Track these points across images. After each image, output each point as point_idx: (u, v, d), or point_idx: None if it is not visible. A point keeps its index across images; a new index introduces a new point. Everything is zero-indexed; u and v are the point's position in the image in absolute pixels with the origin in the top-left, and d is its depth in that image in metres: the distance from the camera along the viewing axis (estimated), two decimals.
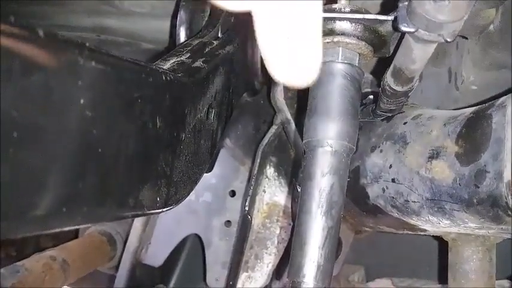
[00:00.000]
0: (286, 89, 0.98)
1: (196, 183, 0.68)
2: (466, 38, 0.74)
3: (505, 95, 0.59)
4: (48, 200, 0.34)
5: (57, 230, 0.37)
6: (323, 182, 0.57)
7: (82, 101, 0.36)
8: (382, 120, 0.78)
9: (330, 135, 0.58)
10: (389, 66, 0.62)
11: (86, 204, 0.39)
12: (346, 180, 0.59)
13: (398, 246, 1.35)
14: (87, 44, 0.38)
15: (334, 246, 0.57)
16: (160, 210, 0.58)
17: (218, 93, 0.74)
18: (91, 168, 0.39)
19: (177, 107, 0.57)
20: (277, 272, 1.00)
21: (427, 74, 0.93)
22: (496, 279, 0.79)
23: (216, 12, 0.89)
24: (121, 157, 0.44)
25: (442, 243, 0.84)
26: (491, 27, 0.66)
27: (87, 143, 0.38)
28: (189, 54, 0.69)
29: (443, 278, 1.14)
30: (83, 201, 0.39)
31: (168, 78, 0.53)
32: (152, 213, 0.55)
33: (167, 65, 0.64)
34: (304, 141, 0.61)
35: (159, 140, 0.52)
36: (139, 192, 0.49)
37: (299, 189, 0.62)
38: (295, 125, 0.97)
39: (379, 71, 0.94)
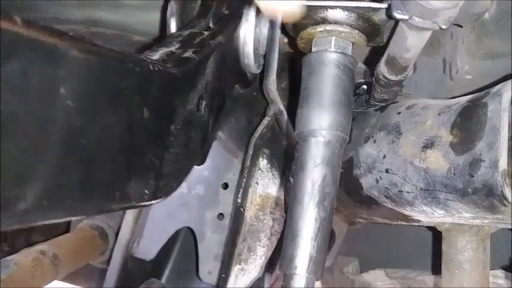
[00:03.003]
0: (279, 79, 0.96)
1: (186, 176, 0.67)
2: (461, 26, 0.73)
3: (500, 83, 0.58)
4: (29, 194, 0.33)
5: (39, 223, 0.36)
6: (315, 172, 0.56)
7: (62, 91, 0.35)
8: (376, 110, 0.77)
9: (322, 125, 0.57)
10: (383, 55, 0.61)
11: (69, 198, 0.38)
12: (339, 171, 0.58)
13: (392, 237, 1.36)
14: (70, 33, 0.37)
15: (326, 237, 0.56)
16: (149, 203, 0.56)
17: (209, 84, 0.72)
18: (74, 161, 0.38)
19: (165, 98, 0.56)
20: (270, 265, 0.99)
21: (421, 65, 0.92)
22: (490, 269, 0.79)
23: (207, 2, 0.87)
24: (106, 149, 0.43)
25: (436, 234, 0.83)
26: (486, 15, 0.65)
27: (69, 135, 0.37)
28: (179, 45, 0.68)
29: (437, 268, 1.14)
30: (65, 195, 0.37)
31: (156, 68, 0.52)
32: (140, 206, 0.54)
33: (156, 56, 0.62)
34: (296, 132, 0.60)
35: (146, 132, 0.51)
36: (126, 185, 0.48)
37: (292, 181, 0.61)
38: (288, 116, 0.96)
39: (372, 60, 0.92)
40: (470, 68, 0.78)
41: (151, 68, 0.51)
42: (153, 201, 0.57)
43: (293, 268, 0.53)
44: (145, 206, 0.55)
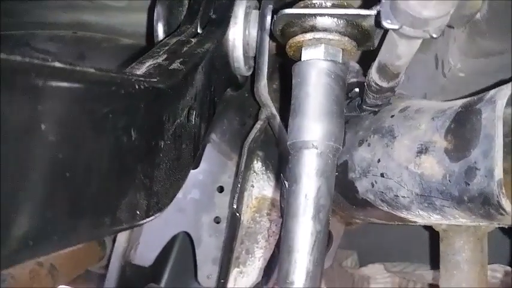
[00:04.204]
0: (270, 81, 0.95)
1: (179, 189, 0.66)
2: (453, 27, 0.72)
3: (493, 86, 0.57)
4: (17, 235, 0.32)
5: (25, 262, 0.35)
6: (309, 185, 0.56)
7: (43, 127, 0.34)
8: (369, 113, 0.76)
9: (315, 136, 0.56)
10: (374, 61, 0.60)
11: (56, 233, 0.37)
12: (333, 182, 0.57)
13: (391, 232, 1.36)
14: (47, 62, 0.35)
15: (322, 250, 0.56)
16: (142, 222, 0.56)
17: (198, 93, 0.71)
18: (59, 195, 0.37)
19: (153, 115, 0.54)
20: (268, 268, 0.98)
21: (413, 60, 0.90)
22: (489, 264, 0.79)
23: (194, 6, 0.85)
24: (93, 177, 0.42)
25: (434, 230, 0.83)
26: (478, 15, 0.64)
27: (53, 170, 0.36)
28: (165, 56, 0.66)
29: (435, 262, 1.14)
30: (51, 231, 0.36)
31: (142, 86, 0.51)
32: (133, 227, 0.53)
33: (142, 69, 0.61)
34: (288, 143, 0.59)
35: (135, 153, 0.50)
36: (117, 209, 0.47)
37: (287, 185, 0.60)
38: (280, 117, 0.95)
39: (365, 57, 0.91)
40: (463, 66, 0.77)
41: (137, 87, 0.50)
42: (147, 220, 0.57)
43: (290, 283, 0.53)
44: (139, 225, 0.54)
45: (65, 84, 0.37)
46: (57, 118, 0.36)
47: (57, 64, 0.36)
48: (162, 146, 0.57)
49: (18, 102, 0.31)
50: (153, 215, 0.58)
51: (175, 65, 0.64)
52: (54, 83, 0.36)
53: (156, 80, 0.57)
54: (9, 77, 0.30)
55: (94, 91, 0.41)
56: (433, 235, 1.14)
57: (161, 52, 0.68)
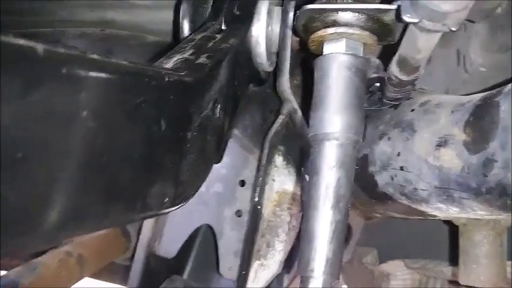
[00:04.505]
0: (292, 76, 0.97)
1: (204, 180, 0.69)
2: (473, 22, 0.73)
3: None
4: (55, 216, 0.35)
5: (66, 240, 0.38)
6: (330, 175, 0.57)
7: (85, 113, 0.36)
8: (390, 107, 0.77)
9: (335, 128, 0.58)
10: (395, 54, 0.61)
11: (93, 215, 0.40)
12: (353, 173, 0.59)
13: (410, 228, 1.36)
14: (87, 54, 0.38)
15: (342, 239, 0.57)
16: (168, 210, 0.58)
17: (223, 87, 0.73)
18: (96, 178, 0.40)
19: (181, 107, 0.57)
20: (288, 262, 1.00)
21: (435, 56, 0.91)
22: (508, 260, 0.79)
23: (219, 4, 0.88)
24: (126, 164, 0.45)
25: (453, 225, 0.84)
26: (499, 9, 0.64)
27: (92, 154, 0.38)
28: (192, 51, 0.69)
29: (454, 259, 1.14)
30: (89, 212, 0.39)
31: (171, 79, 0.53)
32: (160, 214, 0.56)
33: (170, 64, 0.63)
34: (310, 135, 0.61)
35: (164, 142, 0.52)
36: (147, 195, 0.50)
37: (307, 179, 0.62)
38: (302, 112, 0.96)
39: (385, 53, 0.92)
40: (484, 61, 0.78)
41: (167, 80, 0.52)
42: (173, 208, 0.59)
43: (310, 271, 0.55)
44: (165, 213, 0.57)
45: (102, 74, 0.40)
46: (96, 106, 0.39)
47: (95, 56, 0.39)
48: (189, 137, 0.60)
49: (63, 90, 0.34)
50: (179, 203, 0.60)
51: (201, 59, 0.67)
52: (94, 73, 0.38)
53: (183, 73, 0.60)
54: (55, 66, 0.33)
55: (128, 82, 0.44)
56: (453, 232, 1.14)
57: (188, 47, 0.71)
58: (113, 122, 0.42)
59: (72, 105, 0.35)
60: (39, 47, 0.32)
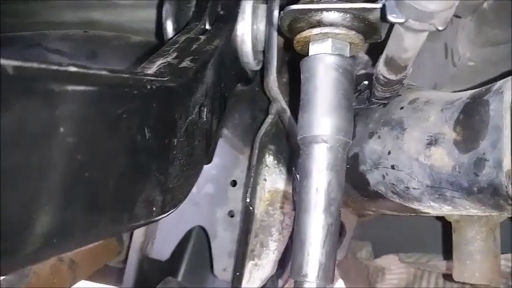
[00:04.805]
0: (280, 74, 0.96)
1: (193, 185, 0.68)
2: (460, 17, 0.72)
3: (501, 76, 0.57)
4: (37, 236, 0.34)
5: (50, 258, 0.36)
6: (320, 179, 0.57)
7: (62, 130, 0.35)
8: (379, 105, 0.76)
9: (324, 131, 0.57)
10: (382, 54, 0.60)
11: (77, 231, 0.39)
12: (343, 175, 0.58)
13: (404, 223, 1.36)
14: (62, 67, 0.37)
15: (335, 242, 0.57)
16: (157, 218, 0.57)
17: (209, 90, 0.72)
18: (79, 195, 0.38)
19: (166, 114, 0.56)
20: (282, 262, 1.00)
21: (422, 50, 0.91)
22: (502, 253, 0.79)
23: (202, 3, 0.86)
24: (110, 176, 0.43)
25: (447, 220, 0.83)
26: (485, 4, 0.64)
27: (72, 171, 0.37)
28: (175, 54, 0.67)
29: (448, 252, 1.15)
30: (73, 229, 0.38)
31: (153, 86, 0.52)
32: (149, 223, 0.55)
33: (153, 69, 0.62)
34: (298, 138, 0.60)
35: (149, 151, 0.51)
36: (134, 206, 0.49)
37: (298, 177, 0.61)
38: (291, 111, 0.95)
39: (373, 48, 0.91)
40: (472, 55, 0.77)
41: (149, 87, 0.51)
42: (162, 216, 0.58)
43: (303, 276, 0.54)
44: (155, 221, 0.56)
45: (80, 87, 0.38)
46: (74, 121, 0.37)
47: (72, 68, 0.38)
48: (176, 143, 0.59)
49: (36, 108, 0.33)
50: (168, 210, 0.59)
51: (185, 63, 0.66)
52: (70, 87, 0.37)
53: (167, 79, 0.58)
54: (27, 84, 0.32)
55: (108, 93, 0.42)
56: (446, 225, 1.14)
57: (171, 50, 0.69)
58: (94, 135, 0.40)
59: (47, 123, 0.34)
60: (8, 65, 0.31)
